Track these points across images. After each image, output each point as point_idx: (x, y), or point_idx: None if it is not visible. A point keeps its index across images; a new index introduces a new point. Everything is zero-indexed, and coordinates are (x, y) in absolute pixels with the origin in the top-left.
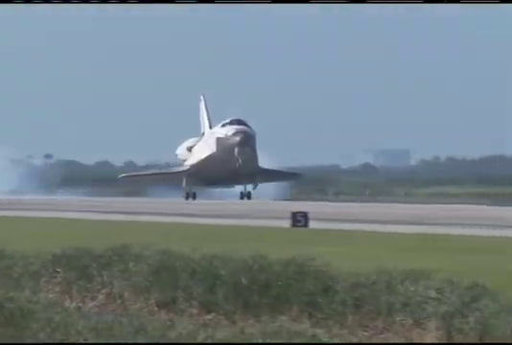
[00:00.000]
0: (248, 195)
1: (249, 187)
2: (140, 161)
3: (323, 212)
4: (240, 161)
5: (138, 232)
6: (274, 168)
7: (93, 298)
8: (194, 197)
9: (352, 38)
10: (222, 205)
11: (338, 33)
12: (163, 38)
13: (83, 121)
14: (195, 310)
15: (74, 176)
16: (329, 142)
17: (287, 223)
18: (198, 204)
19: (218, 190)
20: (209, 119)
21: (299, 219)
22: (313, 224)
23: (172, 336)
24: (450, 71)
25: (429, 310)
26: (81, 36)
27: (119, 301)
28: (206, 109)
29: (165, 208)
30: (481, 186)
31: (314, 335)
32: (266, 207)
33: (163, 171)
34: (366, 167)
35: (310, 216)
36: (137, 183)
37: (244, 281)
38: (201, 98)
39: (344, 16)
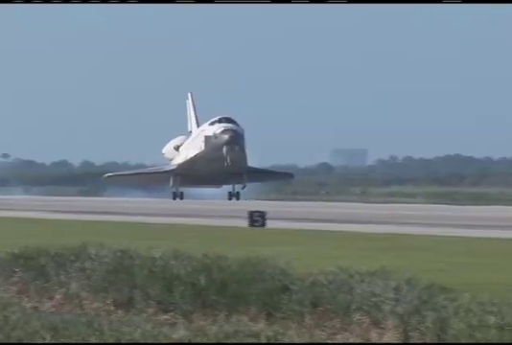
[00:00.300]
0: (237, 196)
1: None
2: (97, 161)
3: (281, 211)
4: (228, 160)
5: (83, 231)
6: (264, 167)
7: (50, 298)
8: (181, 197)
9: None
10: (182, 204)
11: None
12: (148, 35)
13: (41, 120)
14: (152, 310)
15: (31, 176)
16: (286, 141)
17: (245, 223)
18: (160, 204)
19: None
20: (196, 117)
21: (257, 219)
22: (270, 224)
23: (134, 336)
24: (408, 70)
25: (386, 310)
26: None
27: (76, 301)
28: (194, 107)
29: (124, 207)
30: (438, 185)
31: (273, 335)
32: (224, 207)
33: (150, 170)
34: (323, 166)
35: (268, 215)
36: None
37: (201, 280)
38: (189, 96)
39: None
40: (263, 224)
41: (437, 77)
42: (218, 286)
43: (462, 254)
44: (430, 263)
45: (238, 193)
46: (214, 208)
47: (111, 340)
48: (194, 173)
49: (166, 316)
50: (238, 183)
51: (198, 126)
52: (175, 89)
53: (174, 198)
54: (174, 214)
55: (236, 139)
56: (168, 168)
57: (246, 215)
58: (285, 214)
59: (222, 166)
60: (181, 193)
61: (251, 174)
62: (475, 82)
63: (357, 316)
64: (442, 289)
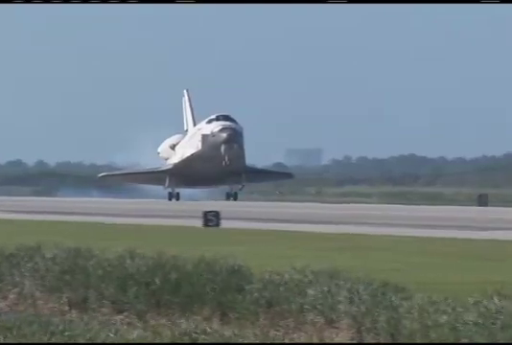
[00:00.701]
0: (235, 196)
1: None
2: (51, 161)
3: (236, 211)
4: (227, 159)
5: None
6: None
7: (4, 298)
8: (177, 198)
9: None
10: (137, 204)
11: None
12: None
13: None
14: (106, 310)
15: None
16: None
17: (199, 223)
18: (123, 204)
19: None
20: (193, 115)
21: (211, 219)
22: (226, 224)
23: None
24: (363, 71)
25: (340, 310)
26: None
27: (30, 300)
28: (190, 105)
29: (75, 207)
30: (392, 185)
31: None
32: (180, 207)
33: (145, 170)
34: (278, 166)
35: (223, 215)
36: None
37: (156, 280)
38: (185, 93)
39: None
40: (217, 224)
41: (391, 77)
42: (172, 285)
43: (418, 254)
44: (386, 262)
45: (236, 193)
46: (168, 208)
47: (64, 340)
48: (190, 173)
49: (120, 316)
50: (236, 183)
51: (195, 124)
52: (169, 87)
53: (170, 199)
54: (132, 215)
55: (234, 137)
56: (164, 167)
57: (201, 215)
58: (240, 214)
59: (220, 165)
60: (177, 193)
61: (250, 174)
62: (429, 83)
63: (311, 316)
64: (396, 289)
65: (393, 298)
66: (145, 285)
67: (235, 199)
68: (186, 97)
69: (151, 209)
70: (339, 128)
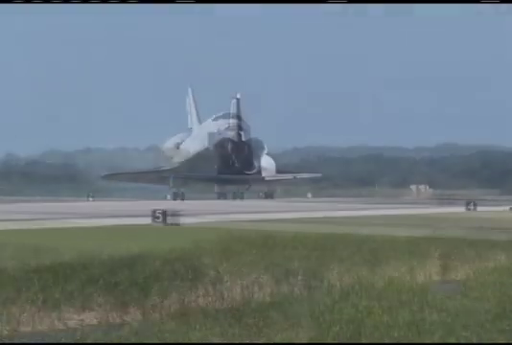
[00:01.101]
0: (241, 196)
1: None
2: (20, 160)
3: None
4: (233, 158)
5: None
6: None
7: None
8: (182, 198)
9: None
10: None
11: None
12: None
13: None
14: (69, 309)
15: None
16: None
17: (148, 220)
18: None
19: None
20: (197, 113)
21: (158, 216)
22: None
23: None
24: (331, 72)
25: (303, 309)
26: None
27: None
28: (194, 103)
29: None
30: (358, 185)
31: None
32: (134, 207)
33: (150, 169)
34: None
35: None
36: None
37: (115, 278)
38: (189, 91)
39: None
40: (164, 221)
41: (357, 77)
42: (132, 283)
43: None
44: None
45: (242, 193)
46: (123, 208)
47: (22, 340)
48: (196, 173)
49: (81, 317)
50: (243, 183)
51: (200, 122)
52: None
53: (175, 199)
54: (90, 215)
55: (242, 136)
56: (169, 166)
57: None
58: (190, 211)
59: (227, 164)
60: (182, 193)
61: (257, 174)
62: (400, 84)
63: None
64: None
65: (353, 297)
66: (105, 283)
67: (241, 199)
68: (190, 95)
69: (114, 209)
70: (305, 126)
